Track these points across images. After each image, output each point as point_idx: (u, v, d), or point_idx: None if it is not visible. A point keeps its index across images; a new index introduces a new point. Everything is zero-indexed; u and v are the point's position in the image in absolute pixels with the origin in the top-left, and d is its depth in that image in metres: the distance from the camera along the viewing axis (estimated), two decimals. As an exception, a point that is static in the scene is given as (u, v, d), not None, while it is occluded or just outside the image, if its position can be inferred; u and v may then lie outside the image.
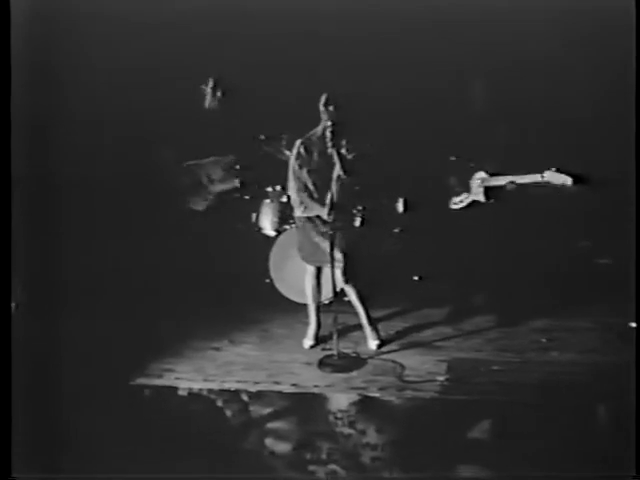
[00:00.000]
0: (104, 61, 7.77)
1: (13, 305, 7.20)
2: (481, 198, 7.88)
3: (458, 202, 7.90)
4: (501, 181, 7.85)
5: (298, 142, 7.39)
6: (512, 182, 7.78)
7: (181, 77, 7.84)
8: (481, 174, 7.89)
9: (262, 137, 7.92)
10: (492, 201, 7.85)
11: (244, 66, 7.79)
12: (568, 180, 7.71)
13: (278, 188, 7.93)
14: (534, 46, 7.55)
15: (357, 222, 7.82)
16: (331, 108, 7.28)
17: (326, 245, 7.39)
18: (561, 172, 7.77)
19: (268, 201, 8.03)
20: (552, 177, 7.74)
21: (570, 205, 7.76)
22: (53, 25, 7.62)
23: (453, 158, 7.81)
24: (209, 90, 7.93)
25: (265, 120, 7.75)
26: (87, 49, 7.77)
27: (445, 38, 7.59)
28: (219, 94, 7.92)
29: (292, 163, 7.42)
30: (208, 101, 7.97)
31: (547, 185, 7.77)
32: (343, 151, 7.37)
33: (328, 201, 7.36)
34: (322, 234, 7.42)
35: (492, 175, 7.89)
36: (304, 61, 7.70)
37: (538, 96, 7.66)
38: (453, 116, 7.71)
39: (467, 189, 7.94)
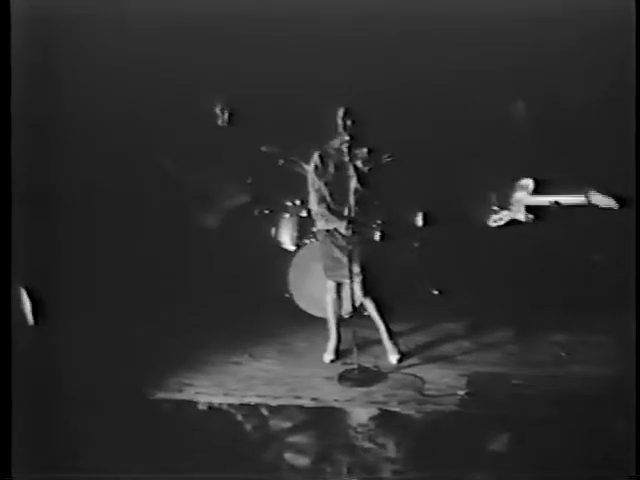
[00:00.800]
0: (104, 62, 7.76)
1: (30, 319, 7.25)
2: (521, 217, 7.85)
3: (498, 220, 7.87)
4: (544, 201, 7.80)
5: (316, 154, 7.41)
6: (556, 202, 7.74)
7: (185, 79, 7.82)
8: (523, 193, 7.86)
9: (279, 150, 7.93)
10: (532, 220, 7.83)
11: (243, 71, 7.78)
12: (613, 203, 7.66)
13: (298, 202, 7.95)
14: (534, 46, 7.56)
15: (376, 236, 7.83)
16: (349, 122, 7.29)
17: (345, 259, 7.41)
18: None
19: (288, 215, 8.06)
20: (598, 200, 7.70)
21: (587, 219, 7.74)
22: (53, 25, 7.62)
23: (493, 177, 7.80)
24: (219, 112, 7.95)
25: (281, 133, 7.76)
26: (87, 50, 7.76)
27: (458, 47, 7.59)
28: (227, 114, 7.92)
29: (310, 175, 7.44)
30: (220, 121, 7.99)
31: (592, 207, 7.73)
32: (359, 164, 7.38)
33: (346, 214, 7.38)
34: (341, 248, 7.44)
35: (532, 193, 7.86)
36: (320, 72, 7.70)
37: (538, 97, 7.65)
38: (472, 128, 7.72)
39: (505, 206, 7.91)
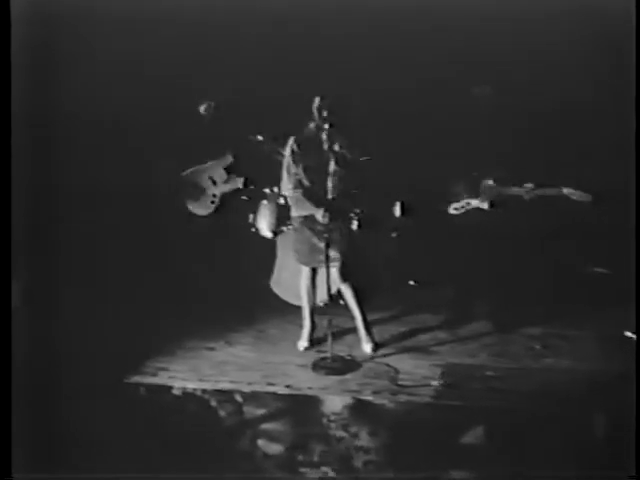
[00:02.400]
0: (105, 61, 7.77)
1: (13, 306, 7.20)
2: (485, 206, 7.85)
3: (459, 208, 7.89)
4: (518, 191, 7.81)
5: (291, 139, 7.37)
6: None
7: (179, 78, 7.84)
8: (489, 182, 7.87)
9: (259, 138, 7.92)
10: (494, 209, 7.84)
11: (241, 66, 7.78)
12: (586, 196, 7.68)
13: (275, 189, 7.92)
14: (535, 46, 7.56)
15: (354, 225, 7.82)
16: (325, 113, 7.23)
17: (322, 246, 7.37)
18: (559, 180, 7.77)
19: (265, 202, 8.02)
20: (570, 192, 7.72)
21: (566, 213, 7.77)
22: (53, 25, 7.61)
23: (475, 174, 7.80)
24: (203, 111, 7.95)
25: (261, 121, 7.75)
26: (87, 49, 7.77)
27: (445, 40, 7.60)
28: (211, 106, 7.91)
29: (286, 160, 7.39)
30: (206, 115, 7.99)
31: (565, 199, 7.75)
32: (337, 148, 7.31)
33: (324, 201, 7.34)
34: (318, 234, 7.40)
35: (498, 183, 7.87)
36: (301, 62, 7.70)
37: (538, 99, 7.67)
38: (453, 119, 7.72)
39: (473, 195, 7.92)
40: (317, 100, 7.22)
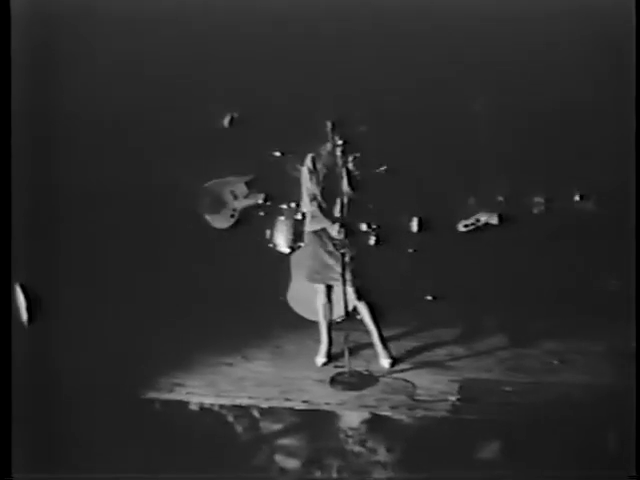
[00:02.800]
0: (105, 61, 7.76)
1: (25, 319, 7.25)
2: (495, 221, 7.86)
3: (469, 224, 7.89)
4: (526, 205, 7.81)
5: (309, 157, 7.42)
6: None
7: (179, 78, 7.82)
8: (498, 198, 7.88)
9: (277, 154, 7.96)
10: (504, 224, 7.83)
11: (241, 66, 7.78)
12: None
13: (292, 205, 7.96)
14: (535, 46, 7.56)
15: (371, 241, 7.84)
16: (337, 135, 7.28)
17: (334, 262, 7.40)
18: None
19: (282, 218, 8.06)
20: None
21: (582, 228, 7.75)
22: (53, 24, 7.62)
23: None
24: (227, 124, 7.98)
25: (279, 137, 7.77)
26: (88, 49, 7.77)
27: (456, 52, 7.60)
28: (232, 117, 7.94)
29: (304, 177, 7.44)
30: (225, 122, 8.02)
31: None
32: (350, 166, 7.36)
33: (337, 216, 7.37)
34: (330, 252, 7.43)
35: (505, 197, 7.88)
36: (301, 62, 7.70)
37: (538, 99, 7.66)
38: (466, 134, 7.73)
39: (482, 210, 7.92)
40: (329, 124, 7.28)
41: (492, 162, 7.81)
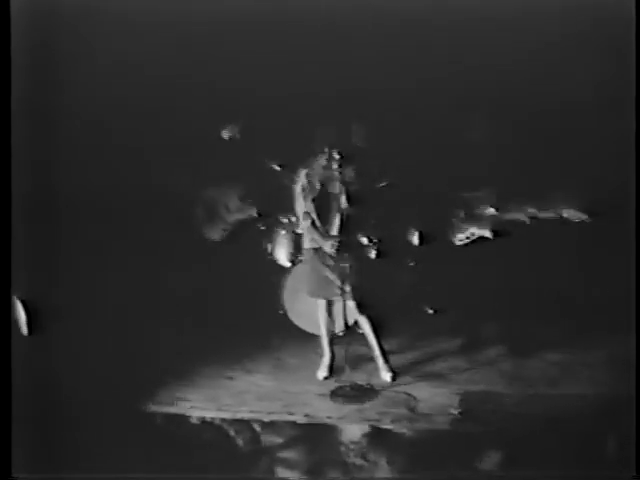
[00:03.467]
0: (106, 61, 7.75)
1: (25, 329, 7.25)
2: (487, 234, 7.86)
3: (464, 238, 7.89)
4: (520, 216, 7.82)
5: (303, 172, 7.43)
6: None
7: (179, 78, 7.80)
8: (490, 210, 7.89)
9: (277, 167, 7.96)
10: (498, 237, 7.83)
11: (241, 66, 7.78)
12: (584, 216, 7.68)
13: (293, 219, 7.97)
14: (535, 46, 7.57)
15: (372, 254, 7.85)
16: (335, 163, 7.30)
17: (334, 277, 7.42)
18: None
19: (284, 232, 8.07)
20: (570, 214, 7.72)
21: (580, 237, 7.75)
22: (53, 23, 7.62)
23: (466, 194, 7.81)
24: (227, 136, 7.98)
25: (280, 149, 7.77)
26: (88, 48, 7.76)
27: (456, 52, 7.61)
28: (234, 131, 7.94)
29: (297, 194, 7.45)
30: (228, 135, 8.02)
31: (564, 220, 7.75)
32: (348, 179, 7.37)
33: (331, 233, 7.39)
34: (330, 266, 7.45)
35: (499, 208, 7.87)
36: (302, 62, 7.70)
37: (538, 99, 7.66)
38: (466, 147, 7.74)
39: (475, 223, 7.92)
40: (326, 152, 7.31)
41: (493, 171, 7.82)
